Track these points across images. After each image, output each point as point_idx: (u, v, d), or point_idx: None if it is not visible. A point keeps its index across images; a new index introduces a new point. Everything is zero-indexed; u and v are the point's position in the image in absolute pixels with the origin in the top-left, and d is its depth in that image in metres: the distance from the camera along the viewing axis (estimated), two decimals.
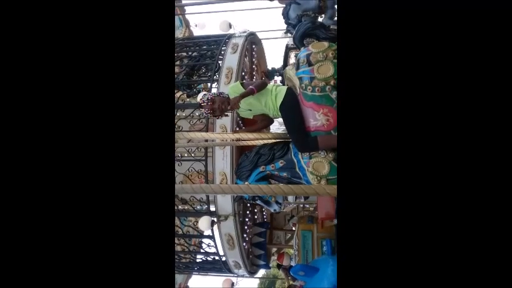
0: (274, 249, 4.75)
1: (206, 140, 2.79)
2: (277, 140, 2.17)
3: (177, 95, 3.78)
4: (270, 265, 5.09)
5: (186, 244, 3.71)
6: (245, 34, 3.77)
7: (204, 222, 3.06)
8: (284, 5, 3.36)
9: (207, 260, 3.65)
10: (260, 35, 4.24)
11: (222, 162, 3.08)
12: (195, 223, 3.43)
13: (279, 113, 1.99)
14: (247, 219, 3.70)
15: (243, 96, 1.88)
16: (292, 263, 4.05)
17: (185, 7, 5.31)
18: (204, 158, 3.15)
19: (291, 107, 1.92)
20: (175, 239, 3.64)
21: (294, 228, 4.42)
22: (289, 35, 3.99)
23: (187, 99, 3.70)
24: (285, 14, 3.14)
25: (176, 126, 3.29)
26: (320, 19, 3.30)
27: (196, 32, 5.54)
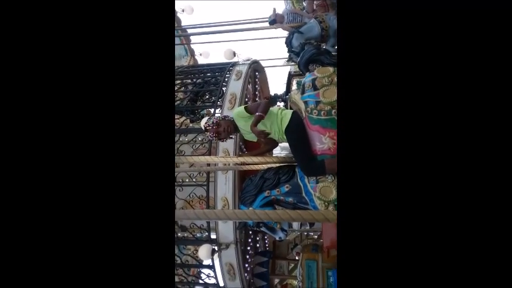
0: (276, 280, 4.51)
1: (208, 165, 2.75)
2: (283, 164, 2.13)
3: (181, 120, 3.81)
4: None
5: (184, 274, 3.52)
6: (249, 62, 3.88)
7: (204, 251, 2.92)
8: (287, 34, 3.49)
9: None
10: (263, 63, 4.37)
11: (224, 187, 3.02)
12: (194, 252, 3.29)
13: (284, 137, 1.98)
14: (248, 248, 3.55)
15: (255, 124, 1.88)
16: None
17: (190, 37, 5.52)
18: (205, 183, 3.09)
19: (296, 131, 1.91)
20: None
21: (297, 258, 4.23)
22: (291, 62, 4.11)
23: (191, 125, 3.71)
24: (288, 43, 3.25)
25: (179, 151, 3.27)
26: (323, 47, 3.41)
27: (201, 60, 5.72)
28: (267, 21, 4.06)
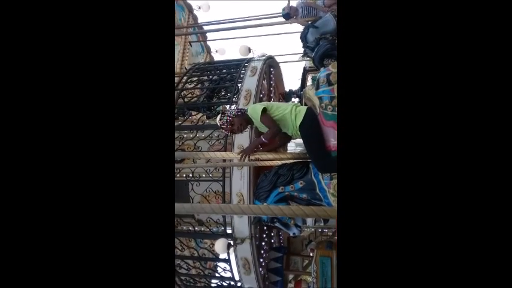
0: (291, 276, 4.53)
1: (224, 160, 2.79)
2: (297, 160, 2.14)
3: (197, 116, 3.87)
4: None
5: (201, 267, 3.61)
6: (264, 58, 3.88)
7: (220, 245, 2.98)
8: (302, 28, 3.45)
9: (222, 285, 3.52)
10: (278, 59, 4.35)
11: (240, 183, 3.05)
12: (210, 245, 3.36)
13: (298, 133, 1.98)
14: (263, 243, 3.58)
15: (253, 148, 2.03)
16: None
17: (206, 34, 5.58)
18: (221, 178, 3.14)
19: (310, 127, 1.91)
20: (191, 261, 3.56)
21: (311, 254, 4.22)
22: (306, 58, 4.06)
23: (207, 121, 3.77)
24: (303, 38, 3.21)
25: (196, 146, 3.34)
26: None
27: (217, 57, 5.76)
28: (281, 16, 4.04)
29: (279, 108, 1.98)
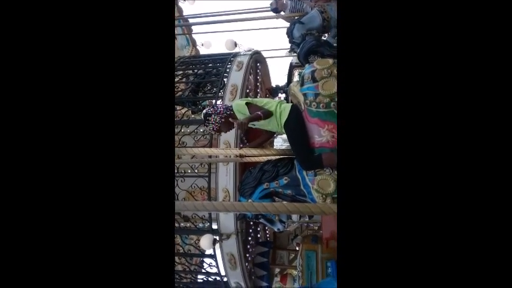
0: (277, 270, 4.59)
1: (210, 156, 2.77)
2: (282, 157, 2.14)
3: (182, 111, 3.81)
4: (273, 287, 4.89)
5: (187, 263, 3.60)
6: (250, 52, 3.84)
7: (205, 241, 2.98)
8: (288, 24, 3.43)
9: (208, 280, 3.53)
10: (265, 54, 4.32)
11: (225, 179, 3.04)
12: (196, 241, 3.35)
13: (283, 130, 1.98)
14: (249, 238, 3.60)
15: (250, 120, 1.88)
16: (296, 285, 3.89)
17: (192, 27, 5.46)
18: (207, 174, 3.11)
19: (295, 124, 1.91)
20: (176, 258, 3.54)
21: (297, 248, 4.28)
22: (293, 53, 4.06)
23: (192, 116, 3.72)
24: (289, 33, 3.20)
25: (180, 142, 3.29)
26: (324, 38, 3.36)
27: (203, 50, 5.67)
28: (268, 10, 4.00)
29: (262, 103, 1.97)
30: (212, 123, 1.95)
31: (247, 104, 1.94)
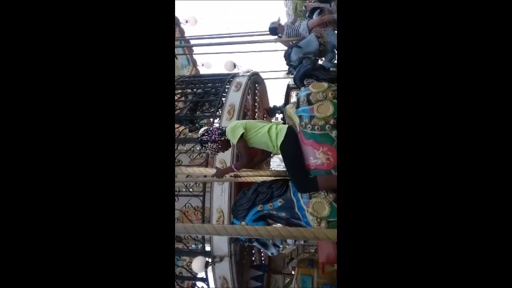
0: None
1: (205, 175, 2.74)
2: (277, 178, 2.12)
3: (180, 129, 3.82)
4: None
5: (178, 286, 3.46)
6: (249, 74, 3.92)
7: (197, 263, 2.88)
8: (286, 47, 3.53)
9: None
10: (263, 75, 4.41)
11: (220, 199, 3.00)
12: (188, 263, 3.24)
13: (279, 151, 1.98)
14: (243, 261, 3.49)
15: (225, 173, 2.07)
16: None
17: (193, 47, 5.61)
18: (201, 193, 3.07)
19: (291, 146, 1.91)
20: None
21: (293, 272, 4.15)
22: (290, 75, 4.14)
23: (189, 134, 3.72)
24: (287, 56, 3.29)
25: (176, 160, 3.27)
26: (320, 62, 3.44)
27: (203, 70, 5.78)
28: (267, 34, 4.12)
29: (256, 128, 1.98)
30: (209, 150, 1.98)
31: (240, 137, 1.94)
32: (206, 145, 1.97)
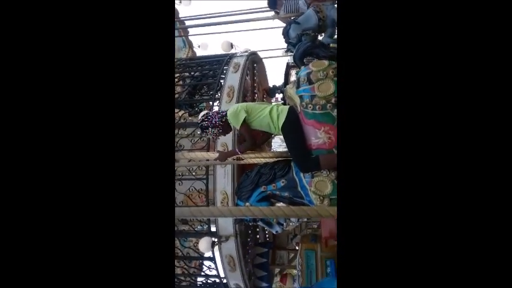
0: (277, 270, 4.59)
1: (207, 159, 2.77)
2: (279, 159, 2.14)
3: (179, 114, 3.80)
4: (273, 287, 4.89)
5: (186, 266, 3.59)
6: (246, 53, 3.84)
7: (204, 244, 2.97)
8: (284, 24, 3.43)
9: (207, 282, 3.52)
10: (261, 54, 4.31)
11: (224, 181, 3.03)
12: (195, 244, 3.34)
13: (281, 132, 1.98)
14: (249, 239, 3.60)
15: (228, 156, 2.07)
16: (295, 285, 3.89)
17: (188, 29, 5.45)
18: (205, 176, 3.11)
19: (292, 127, 1.91)
20: (175, 261, 3.53)
21: (297, 248, 4.29)
22: (289, 53, 4.05)
23: (189, 118, 3.71)
24: (285, 33, 3.19)
25: (178, 145, 3.28)
26: (320, 38, 3.35)
27: (199, 52, 5.66)
28: (264, 10, 3.98)
29: (257, 110, 1.96)
30: (211, 135, 1.98)
31: (243, 121, 1.93)
32: (207, 130, 1.97)
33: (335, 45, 2.60)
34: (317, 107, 1.83)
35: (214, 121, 1.97)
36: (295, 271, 4.21)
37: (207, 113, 2.03)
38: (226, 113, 2.00)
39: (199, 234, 3.22)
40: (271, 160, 2.16)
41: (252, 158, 2.19)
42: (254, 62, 4.08)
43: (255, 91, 4.14)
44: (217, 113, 2.04)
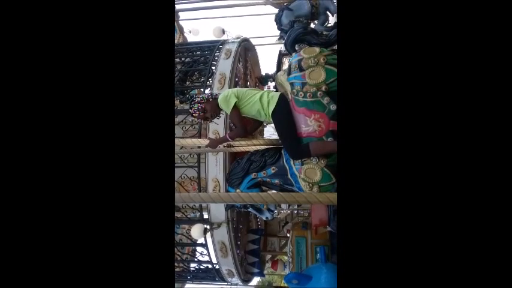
0: (268, 256, 4.69)
1: (199, 146, 2.76)
2: (269, 147, 2.15)
3: None
4: (265, 272, 5.01)
5: (179, 253, 3.63)
6: (239, 40, 3.77)
7: (196, 230, 3.00)
8: (277, 11, 3.37)
9: (200, 268, 3.58)
10: (254, 41, 4.25)
11: (215, 169, 3.04)
12: (187, 231, 3.37)
13: (271, 119, 1.98)
14: (241, 226, 3.65)
15: (219, 142, 2.06)
16: (286, 271, 3.99)
17: (179, 13, 5.31)
18: (196, 164, 3.11)
19: (283, 114, 1.90)
20: None
21: (288, 235, 4.37)
22: (282, 41, 4.00)
23: (181, 105, 3.66)
24: (278, 20, 3.15)
25: None
26: (312, 25, 3.32)
27: (190, 38, 5.54)
28: None
29: (248, 96, 1.95)
30: (194, 112, 1.96)
31: (233, 107, 1.91)
32: (195, 99, 1.95)
33: (327, 33, 2.58)
34: (307, 94, 1.82)
35: (200, 98, 1.96)
36: (286, 257, 4.31)
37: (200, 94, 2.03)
38: (216, 95, 1.99)
39: (192, 222, 3.25)
40: (262, 147, 2.16)
41: (244, 146, 2.19)
42: (246, 49, 4.02)
43: (247, 79, 4.10)
44: (210, 94, 2.04)
